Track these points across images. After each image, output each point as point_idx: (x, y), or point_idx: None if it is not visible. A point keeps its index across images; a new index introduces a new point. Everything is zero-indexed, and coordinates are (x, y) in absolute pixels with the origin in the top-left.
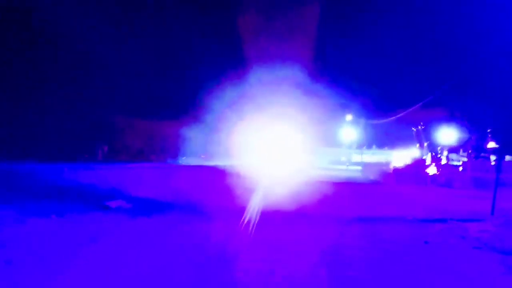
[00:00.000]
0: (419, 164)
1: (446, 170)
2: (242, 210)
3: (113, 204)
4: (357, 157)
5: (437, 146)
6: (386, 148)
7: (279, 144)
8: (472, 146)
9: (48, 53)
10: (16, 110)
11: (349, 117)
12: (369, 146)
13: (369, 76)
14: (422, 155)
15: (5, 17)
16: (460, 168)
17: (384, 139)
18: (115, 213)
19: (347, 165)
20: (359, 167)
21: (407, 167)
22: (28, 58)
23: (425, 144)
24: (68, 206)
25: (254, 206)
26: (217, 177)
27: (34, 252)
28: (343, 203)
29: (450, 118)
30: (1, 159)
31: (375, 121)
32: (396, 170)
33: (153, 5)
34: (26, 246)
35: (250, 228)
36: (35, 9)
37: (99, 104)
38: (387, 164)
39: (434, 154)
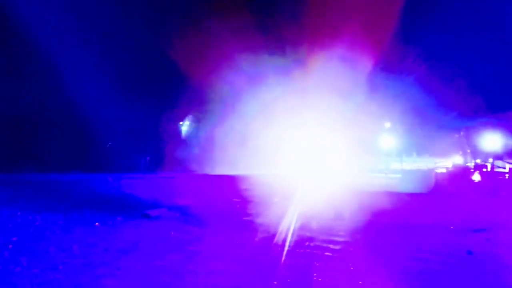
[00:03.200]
0: (462, 171)
1: (491, 177)
2: (281, 219)
3: (153, 212)
4: (396, 165)
5: (481, 152)
6: (426, 155)
7: (317, 151)
8: None
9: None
10: (61, 123)
11: (387, 124)
12: (408, 154)
13: (415, 79)
14: (466, 162)
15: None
16: (507, 176)
17: (425, 146)
18: (156, 221)
19: (386, 173)
20: (399, 175)
21: (450, 175)
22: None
23: (468, 151)
24: (111, 214)
25: (292, 217)
26: (256, 186)
27: (80, 258)
28: (381, 211)
29: (495, 123)
30: (48, 171)
31: (415, 128)
32: (438, 178)
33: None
34: (72, 252)
35: (288, 239)
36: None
37: (140, 115)
38: (428, 172)
39: (478, 161)
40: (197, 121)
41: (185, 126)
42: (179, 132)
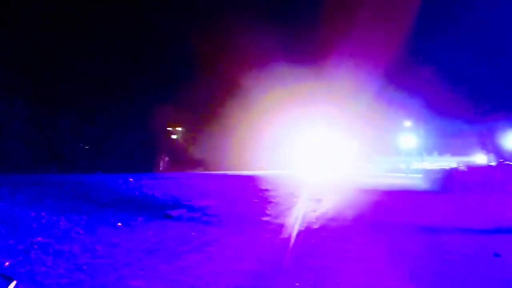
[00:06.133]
0: (485, 171)
1: None
2: (300, 220)
3: (174, 213)
4: (417, 164)
5: (505, 151)
6: (448, 154)
7: (333, 151)
8: None
9: (111, 67)
10: (83, 124)
11: (408, 123)
12: (429, 153)
13: (433, 78)
14: (489, 161)
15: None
16: None
17: (446, 145)
18: (177, 222)
19: (406, 173)
20: (420, 175)
21: (473, 174)
22: (91, 73)
23: (491, 149)
24: (133, 215)
25: (311, 218)
26: (275, 186)
27: (104, 258)
28: (403, 211)
29: None
30: (70, 171)
31: (437, 127)
32: (460, 177)
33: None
34: (96, 253)
35: (307, 240)
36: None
37: (159, 116)
38: (450, 171)
39: (501, 160)
40: (213, 122)
41: (200, 127)
42: (195, 133)
